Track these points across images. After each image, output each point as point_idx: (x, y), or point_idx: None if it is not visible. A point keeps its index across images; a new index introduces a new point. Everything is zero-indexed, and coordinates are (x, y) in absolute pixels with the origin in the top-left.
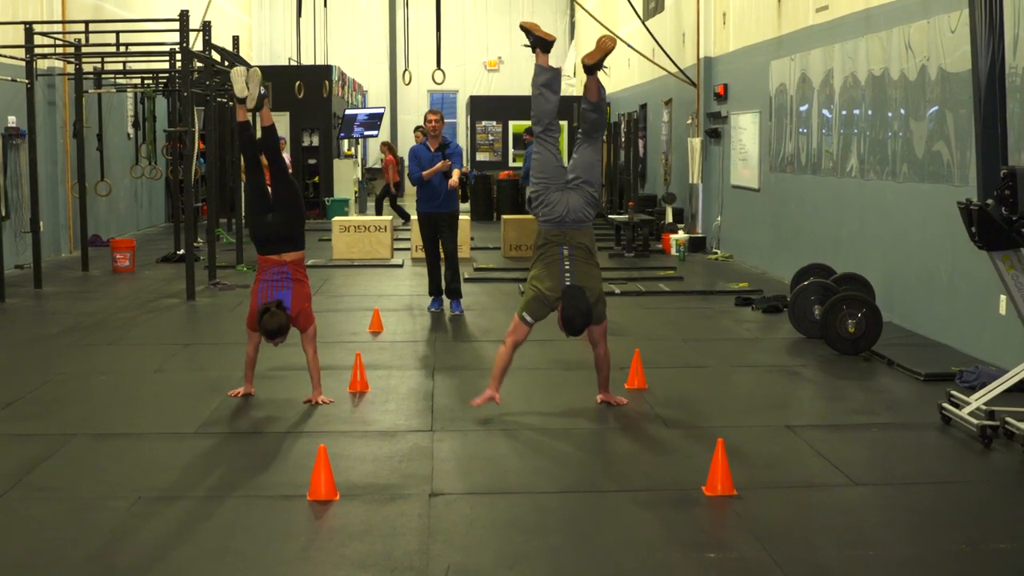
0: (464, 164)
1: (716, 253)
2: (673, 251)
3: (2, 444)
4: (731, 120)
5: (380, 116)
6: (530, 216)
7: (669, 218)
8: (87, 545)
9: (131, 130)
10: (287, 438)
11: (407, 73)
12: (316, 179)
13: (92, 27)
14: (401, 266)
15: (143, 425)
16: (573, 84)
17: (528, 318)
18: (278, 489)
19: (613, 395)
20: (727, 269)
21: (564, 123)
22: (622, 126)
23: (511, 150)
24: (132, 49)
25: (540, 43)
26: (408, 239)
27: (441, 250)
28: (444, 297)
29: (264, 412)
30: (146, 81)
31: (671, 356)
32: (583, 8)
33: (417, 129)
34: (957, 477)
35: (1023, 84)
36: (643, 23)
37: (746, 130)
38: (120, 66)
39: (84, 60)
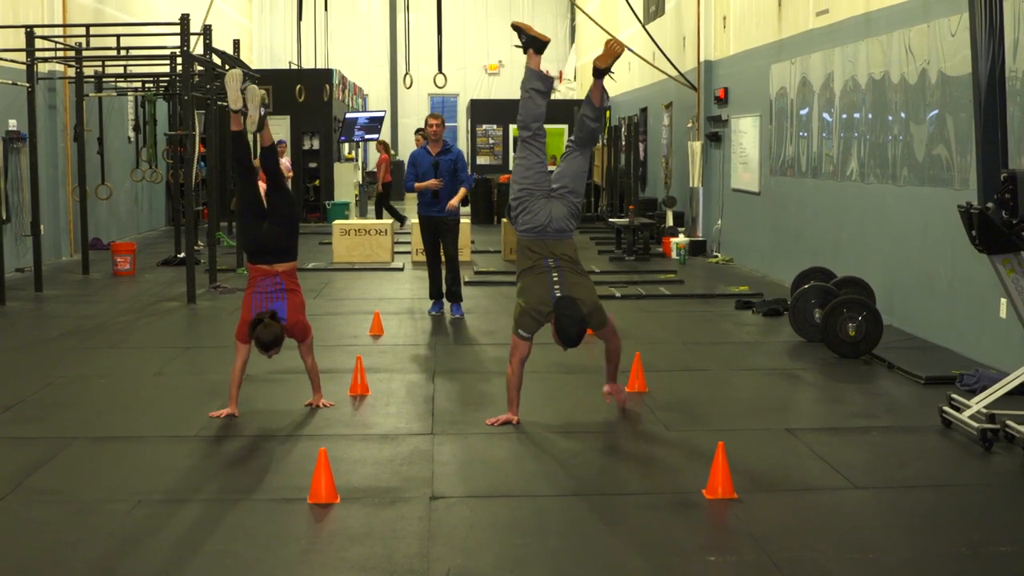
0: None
1: (716, 256)
2: (673, 254)
3: (2, 447)
4: (731, 124)
5: (381, 120)
6: None
7: (669, 222)
8: (87, 548)
9: (132, 134)
10: (288, 441)
11: (408, 77)
12: (317, 183)
13: (93, 31)
14: (402, 269)
15: (143, 428)
16: (574, 88)
17: (524, 333)
18: (279, 492)
19: (620, 388)
20: (727, 272)
21: (565, 127)
22: (622, 130)
23: (511, 153)
24: (133, 53)
25: (533, 43)
26: (408, 242)
27: (442, 253)
28: (445, 300)
29: (264, 415)
30: (147, 85)
31: (671, 359)
32: (583, 12)
33: (418, 132)
34: (957, 480)
35: (1023, 88)
36: (643, 27)
37: (746, 134)
38: (121, 70)
39: (85, 64)
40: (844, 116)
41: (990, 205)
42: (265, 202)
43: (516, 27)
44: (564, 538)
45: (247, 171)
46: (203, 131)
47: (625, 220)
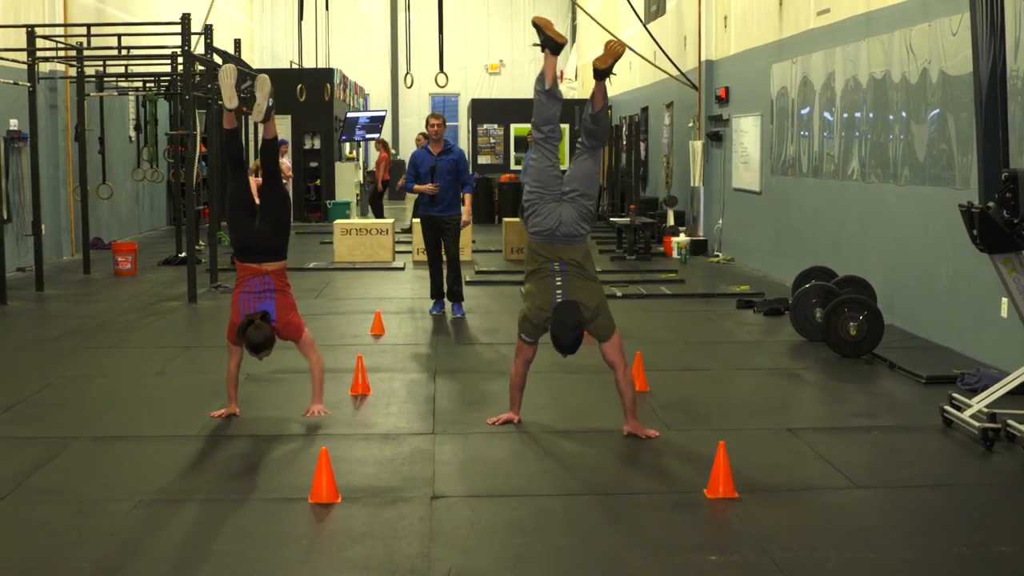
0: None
1: (717, 256)
2: (674, 254)
3: (3, 447)
4: (732, 123)
5: (381, 119)
6: None
7: (671, 221)
8: (89, 548)
9: (133, 133)
10: (289, 441)
11: (408, 76)
12: (318, 182)
13: (94, 30)
14: (403, 269)
15: (145, 428)
16: (575, 87)
17: (526, 338)
18: (280, 492)
19: (642, 426)
20: (728, 272)
21: (566, 126)
22: (624, 129)
23: (512, 153)
24: (134, 52)
25: (550, 43)
26: (410, 242)
27: (443, 253)
28: (446, 300)
29: (265, 415)
30: (148, 84)
31: (672, 359)
32: (584, 11)
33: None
34: (958, 480)
35: None
36: (644, 26)
37: (747, 133)
38: (122, 69)
39: (86, 63)
40: (845, 115)
41: (991, 204)
42: (258, 199)
43: (536, 24)
44: (565, 537)
45: (239, 168)
46: (204, 131)
47: (626, 219)
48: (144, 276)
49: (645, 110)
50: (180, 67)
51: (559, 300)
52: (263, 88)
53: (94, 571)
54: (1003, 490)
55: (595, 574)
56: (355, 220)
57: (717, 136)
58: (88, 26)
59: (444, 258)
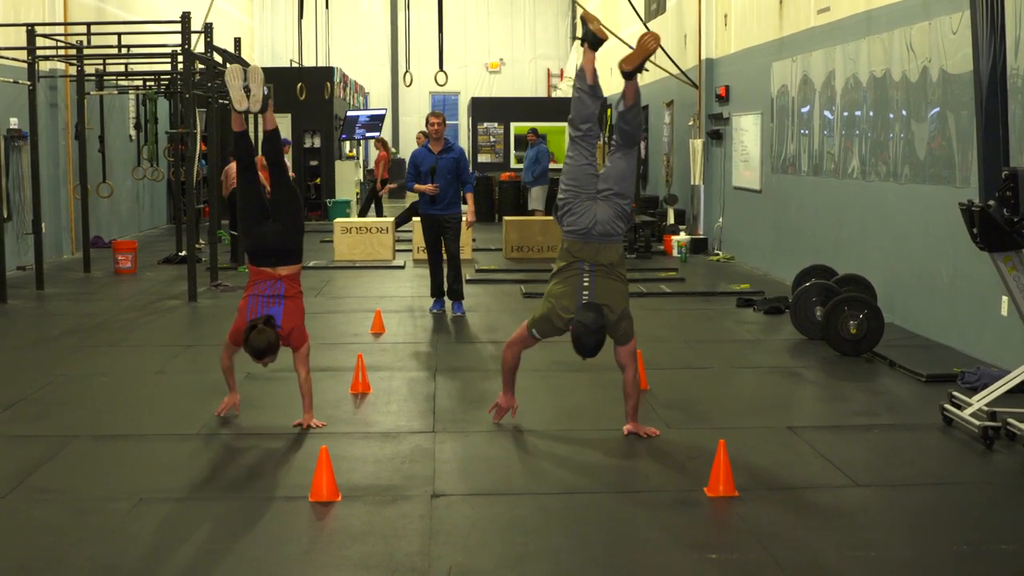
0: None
1: (718, 254)
2: (675, 252)
3: (4, 445)
4: (733, 122)
5: (382, 118)
6: (530, 217)
7: (671, 219)
8: (89, 547)
9: (133, 132)
10: (289, 439)
11: (408, 75)
12: (318, 180)
13: (94, 29)
14: (403, 267)
15: (145, 427)
16: None
17: (536, 333)
18: (280, 490)
19: (642, 426)
20: (728, 270)
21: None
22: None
23: (512, 152)
24: (134, 51)
25: (590, 38)
26: (410, 240)
27: (443, 251)
28: (446, 298)
29: (266, 414)
30: (148, 83)
31: (673, 357)
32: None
33: (421, 134)
34: (958, 478)
35: None
36: (644, 24)
37: (748, 131)
38: (122, 68)
39: (86, 62)
40: (845, 114)
41: (991, 203)
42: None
43: (583, 18)
44: (565, 536)
45: (250, 172)
46: (204, 129)
47: None
48: (144, 275)
49: (645, 108)
50: (180, 66)
51: (584, 301)
52: (256, 78)
53: (94, 570)
54: (1003, 488)
55: (595, 572)
56: (355, 219)
57: (717, 134)
58: (88, 24)
59: (444, 256)
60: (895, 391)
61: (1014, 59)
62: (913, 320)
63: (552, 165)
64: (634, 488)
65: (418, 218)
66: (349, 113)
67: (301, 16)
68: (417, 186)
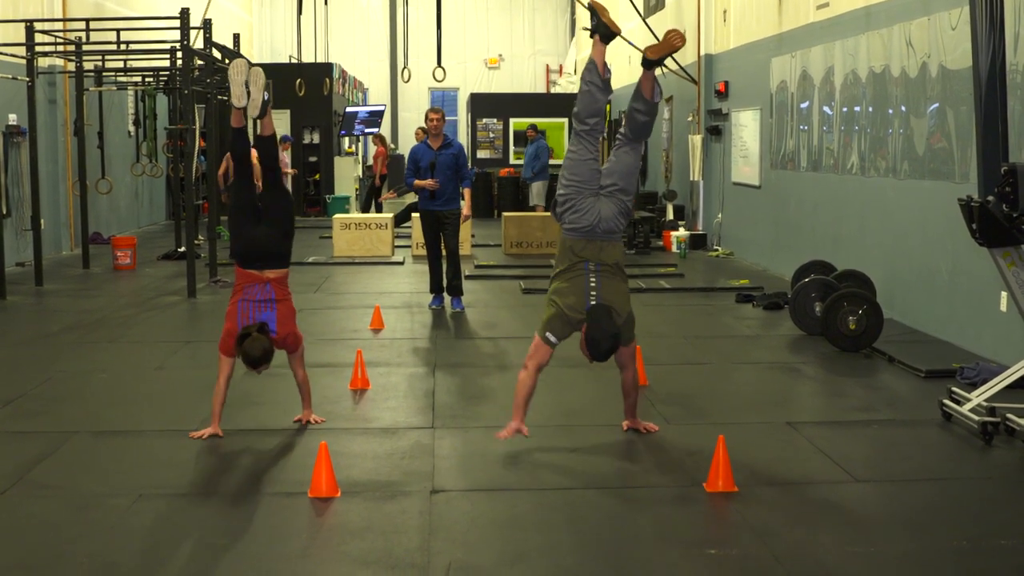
0: (468, 163)
1: (717, 250)
2: (674, 248)
3: (3, 442)
4: (732, 117)
5: (381, 114)
6: (529, 213)
7: (670, 215)
8: (88, 543)
9: (132, 128)
10: (288, 435)
11: (407, 71)
12: (317, 176)
13: (93, 25)
14: (402, 263)
15: (144, 423)
16: (574, 82)
17: (552, 338)
18: (279, 486)
19: (641, 421)
20: (728, 266)
21: (564, 120)
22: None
23: (512, 147)
24: (133, 47)
25: (602, 29)
26: (409, 236)
27: (442, 247)
28: (445, 294)
29: (265, 410)
30: (147, 79)
31: (672, 353)
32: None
33: (420, 130)
34: (957, 473)
35: (1023, 81)
36: (644, 20)
37: (747, 127)
38: (121, 64)
39: (85, 58)
40: (844, 110)
41: (990, 198)
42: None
43: (591, 7)
44: (565, 532)
45: (246, 171)
46: (203, 125)
47: None
48: (143, 271)
49: None
50: (179, 62)
51: (592, 303)
52: (257, 81)
53: (93, 566)
54: (1002, 484)
55: (595, 568)
56: (354, 215)
57: (716, 130)
58: (87, 21)
59: (443, 252)
60: (894, 387)
61: (1013, 55)
62: (912, 316)
63: (552, 161)
64: (633, 484)
65: (417, 214)
66: (348, 109)
67: (300, 12)
68: (417, 181)
